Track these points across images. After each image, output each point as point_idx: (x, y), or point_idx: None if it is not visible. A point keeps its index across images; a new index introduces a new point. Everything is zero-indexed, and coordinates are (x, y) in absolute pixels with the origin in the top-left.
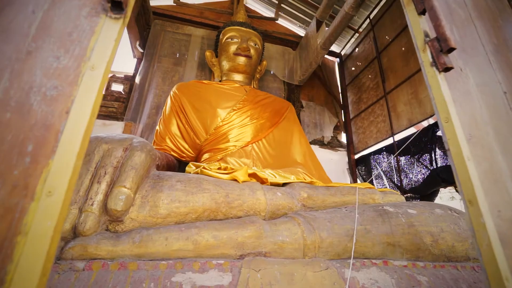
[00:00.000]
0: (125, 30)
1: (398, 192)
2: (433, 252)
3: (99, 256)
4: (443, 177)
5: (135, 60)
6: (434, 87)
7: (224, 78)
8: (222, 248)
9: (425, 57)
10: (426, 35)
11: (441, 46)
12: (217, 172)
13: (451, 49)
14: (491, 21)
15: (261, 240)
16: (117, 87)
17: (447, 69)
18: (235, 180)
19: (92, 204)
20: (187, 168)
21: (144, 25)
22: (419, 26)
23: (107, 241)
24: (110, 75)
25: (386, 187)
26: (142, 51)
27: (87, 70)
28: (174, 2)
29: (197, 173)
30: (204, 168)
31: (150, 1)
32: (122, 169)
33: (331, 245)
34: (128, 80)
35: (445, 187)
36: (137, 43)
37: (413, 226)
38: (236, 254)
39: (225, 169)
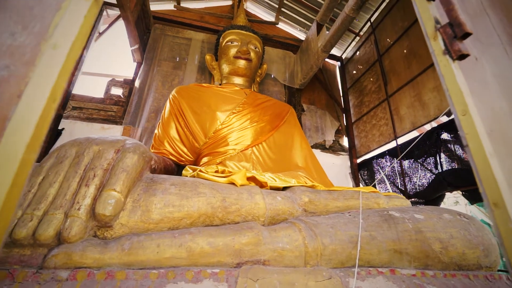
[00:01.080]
0: (126, 34)
1: (404, 197)
2: (442, 260)
3: (84, 265)
4: (449, 181)
5: (135, 64)
6: (448, 77)
7: (224, 82)
8: (218, 256)
9: (436, 45)
10: (437, 22)
11: (455, 32)
12: (214, 176)
13: (467, 34)
14: (504, 11)
15: (259, 247)
16: (116, 91)
17: (462, 56)
18: (233, 183)
19: (78, 209)
20: (183, 172)
21: (144, 29)
22: (428, 12)
23: (94, 248)
24: (110, 79)
25: (390, 191)
26: (136, 46)
27: (47, 49)
28: (174, 7)
29: (193, 176)
30: (200, 171)
31: (151, 6)
32: (113, 172)
33: (334, 253)
34: (128, 84)
35: (451, 191)
36: (136, 46)
37: (420, 232)
38: (233, 262)
39: (222, 172)
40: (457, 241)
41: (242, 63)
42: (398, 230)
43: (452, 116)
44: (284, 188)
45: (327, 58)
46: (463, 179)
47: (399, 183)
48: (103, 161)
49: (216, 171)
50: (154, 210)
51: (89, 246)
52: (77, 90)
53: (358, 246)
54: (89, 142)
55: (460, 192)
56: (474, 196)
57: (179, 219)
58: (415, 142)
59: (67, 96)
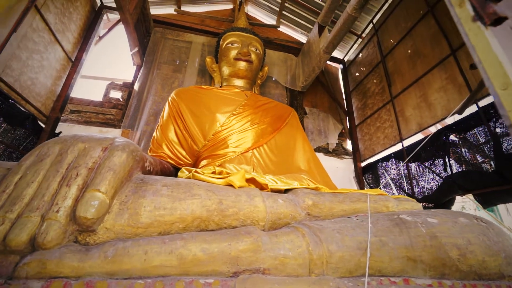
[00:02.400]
0: (126, 37)
1: (414, 200)
2: (461, 268)
3: (61, 274)
4: (460, 183)
5: (135, 67)
6: (480, 46)
7: (224, 84)
8: (213, 264)
9: (463, 12)
10: None
11: None
12: (210, 177)
13: None
14: None
15: (259, 254)
16: (116, 94)
17: (498, 20)
18: (231, 185)
19: (57, 211)
20: (179, 173)
21: (144, 33)
22: None
23: (73, 256)
24: (109, 82)
25: (397, 195)
26: (136, 49)
27: None
28: (175, 11)
29: (189, 178)
30: (196, 172)
31: (151, 10)
32: (98, 171)
33: (342, 260)
34: (127, 87)
35: (462, 194)
36: (136, 49)
37: (435, 237)
38: (229, 271)
39: (220, 173)
40: (476, 247)
41: (242, 64)
42: (410, 235)
43: (461, 116)
44: (286, 191)
45: (329, 60)
46: (475, 182)
47: (406, 187)
48: (88, 159)
49: (213, 172)
50: (143, 213)
51: (67, 253)
52: (75, 93)
53: (367, 252)
54: (74, 139)
55: (471, 196)
56: (487, 200)
57: (171, 223)
58: (422, 144)
59: (65, 99)
